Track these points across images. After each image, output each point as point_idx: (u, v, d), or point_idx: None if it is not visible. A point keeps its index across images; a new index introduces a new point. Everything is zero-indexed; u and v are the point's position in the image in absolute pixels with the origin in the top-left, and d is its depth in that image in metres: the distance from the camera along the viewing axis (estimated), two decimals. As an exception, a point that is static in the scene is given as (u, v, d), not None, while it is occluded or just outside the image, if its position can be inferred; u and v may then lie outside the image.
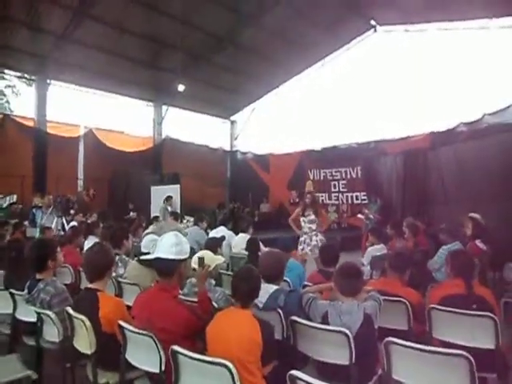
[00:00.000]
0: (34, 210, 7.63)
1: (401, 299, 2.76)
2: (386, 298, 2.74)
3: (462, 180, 8.20)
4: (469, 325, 2.49)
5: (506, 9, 9.27)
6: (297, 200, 13.78)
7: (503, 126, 8.28)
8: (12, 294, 2.94)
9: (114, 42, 10.62)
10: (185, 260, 2.39)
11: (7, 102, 15.73)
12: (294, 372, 1.60)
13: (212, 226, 6.27)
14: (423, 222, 7.55)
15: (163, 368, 2.03)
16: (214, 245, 3.88)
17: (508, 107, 9.30)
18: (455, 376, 1.88)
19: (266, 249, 3.83)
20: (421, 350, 1.94)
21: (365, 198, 11.71)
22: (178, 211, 9.70)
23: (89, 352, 2.33)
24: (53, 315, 2.51)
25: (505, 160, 7.04)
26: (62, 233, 6.83)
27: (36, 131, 10.85)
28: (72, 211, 9.68)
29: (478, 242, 5.03)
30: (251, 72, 13.49)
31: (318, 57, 13.73)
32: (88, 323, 2.32)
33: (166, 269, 2.30)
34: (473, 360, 1.81)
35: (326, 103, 13.42)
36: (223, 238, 4.51)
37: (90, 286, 2.52)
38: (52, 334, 2.57)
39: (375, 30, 12.87)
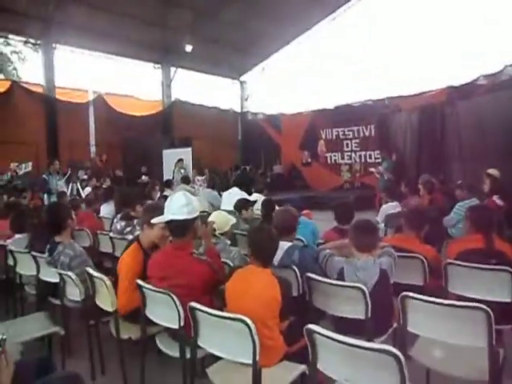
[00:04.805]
0: (44, 176, 7.71)
1: (417, 255, 2.75)
2: (403, 254, 2.73)
3: (481, 135, 7.92)
4: (485, 279, 2.47)
5: None
6: (309, 160, 13.64)
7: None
8: (34, 257, 3.03)
9: (117, 1, 10.21)
10: (196, 218, 2.39)
11: (14, 68, 15.47)
12: (310, 326, 1.62)
13: (224, 188, 6.27)
14: (438, 179, 7.40)
15: (182, 324, 2.09)
16: (244, 206, 3.89)
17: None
18: (472, 328, 1.87)
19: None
20: (438, 303, 1.94)
21: (378, 156, 11.51)
22: (191, 174, 9.73)
23: (111, 309, 2.42)
24: (73, 276, 2.59)
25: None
26: (78, 198, 6.94)
27: (45, 98, 10.78)
28: (85, 177, 9.80)
29: (496, 198, 4.93)
30: (259, 29, 12.91)
31: (329, 10, 13.04)
32: (108, 282, 2.39)
33: (179, 229, 2.30)
34: (491, 312, 1.80)
35: (338, 60, 12.88)
36: (255, 201, 4.41)
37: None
38: (74, 293, 2.66)
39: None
